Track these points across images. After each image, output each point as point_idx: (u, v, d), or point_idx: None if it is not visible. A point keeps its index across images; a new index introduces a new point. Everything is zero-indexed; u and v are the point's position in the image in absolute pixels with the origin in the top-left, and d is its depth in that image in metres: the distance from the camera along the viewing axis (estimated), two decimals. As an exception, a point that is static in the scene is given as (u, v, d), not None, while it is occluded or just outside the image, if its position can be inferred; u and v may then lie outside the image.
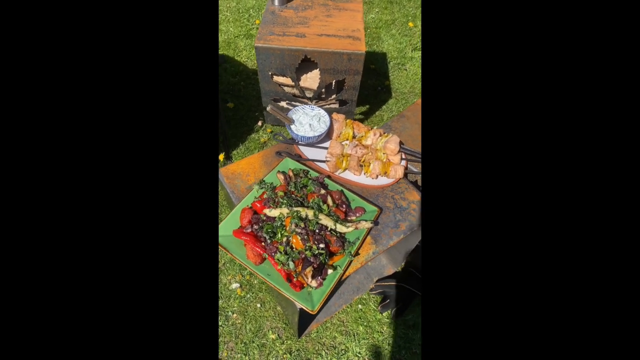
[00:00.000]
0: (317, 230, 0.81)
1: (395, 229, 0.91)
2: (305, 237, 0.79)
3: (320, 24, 1.49)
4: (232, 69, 2.10)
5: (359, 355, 1.19)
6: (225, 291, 1.32)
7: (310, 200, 0.86)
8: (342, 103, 1.65)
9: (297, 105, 1.05)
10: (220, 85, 1.99)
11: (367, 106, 1.95)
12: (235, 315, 1.26)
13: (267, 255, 0.80)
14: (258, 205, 0.86)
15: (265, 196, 0.88)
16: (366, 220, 0.86)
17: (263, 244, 0.80)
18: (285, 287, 0.76)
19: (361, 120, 1.88)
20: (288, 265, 0.77)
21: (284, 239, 0.80)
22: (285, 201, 0.85)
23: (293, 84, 1.53)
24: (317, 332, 1.23)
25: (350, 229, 0.85)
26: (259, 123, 1.80)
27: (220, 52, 2.22)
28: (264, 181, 0.92)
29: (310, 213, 0.82)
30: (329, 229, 0.83)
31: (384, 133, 1.06)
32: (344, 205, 0.89)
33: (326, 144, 1.06)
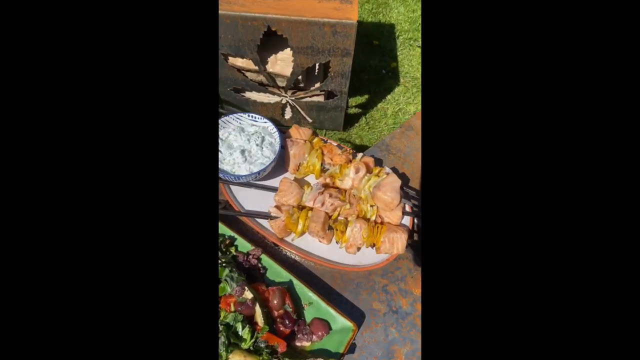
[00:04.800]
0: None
1: (385, 362, 0.49)
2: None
3: (296, -21, 1.01)
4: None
5: None
6: None
7: (222, 316, 0.45)
8: (329, 95, 1.20)
9: (228, 114, 0.57)
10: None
11: (367, 96, 1.48)
12: None
13: None
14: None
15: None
16: (324, 358, 0.44)
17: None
18: None
19: (357, 116, 1.42)
20: None
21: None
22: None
23: (257, 68, 1.07)
24: None
25: (296, 373, 0.43)
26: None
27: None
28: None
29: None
30: (251, 378, 0.42)
31: (377, 166, 0.62)
32: (287, 320, 0.47)
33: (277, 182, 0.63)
